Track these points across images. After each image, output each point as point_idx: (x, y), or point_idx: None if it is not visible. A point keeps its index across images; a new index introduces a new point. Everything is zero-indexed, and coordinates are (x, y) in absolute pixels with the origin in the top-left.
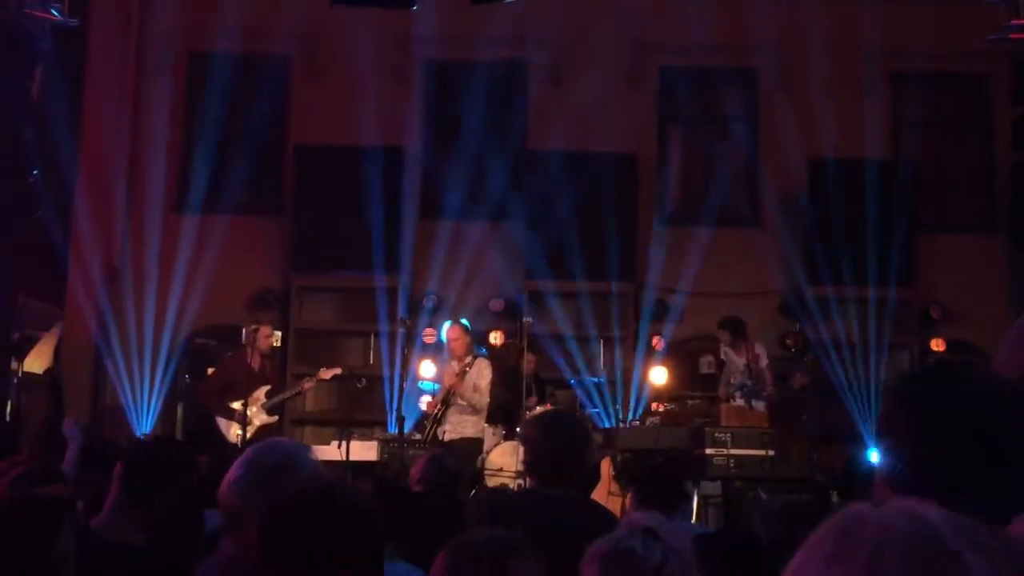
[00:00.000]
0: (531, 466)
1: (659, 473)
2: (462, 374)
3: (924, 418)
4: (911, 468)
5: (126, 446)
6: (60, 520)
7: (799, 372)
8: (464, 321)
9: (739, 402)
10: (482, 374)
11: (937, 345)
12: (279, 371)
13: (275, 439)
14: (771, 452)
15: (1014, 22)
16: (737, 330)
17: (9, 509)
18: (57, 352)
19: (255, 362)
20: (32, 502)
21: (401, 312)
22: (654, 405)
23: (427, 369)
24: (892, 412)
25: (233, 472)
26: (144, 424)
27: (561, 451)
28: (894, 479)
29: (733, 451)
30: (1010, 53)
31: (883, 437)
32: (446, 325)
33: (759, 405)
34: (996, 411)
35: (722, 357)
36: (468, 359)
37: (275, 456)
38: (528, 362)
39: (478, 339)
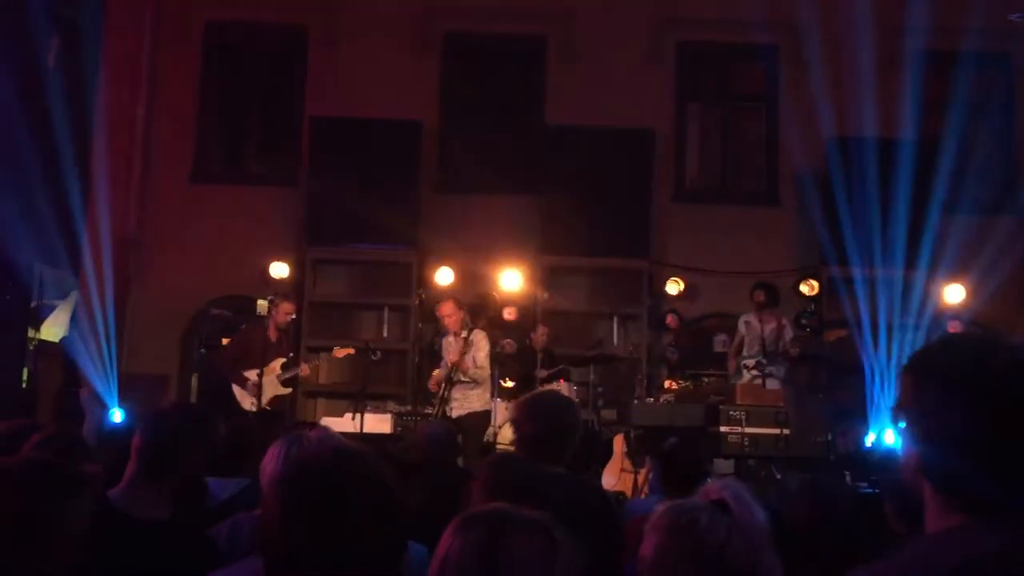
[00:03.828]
0: (518, 445)
1: (677, 455)
2: (463, 351)
3: (952, 392)
4: (944, 447)
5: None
6: (79, 489)
7: (791, 343)
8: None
9: (748, 376)
10: (479, 346)
11: (953, 327)
12: (293, 343)
13: (331, 438)
14: (785, 431)
15: None
16: (772, 295)
17: (27, 470)
18: (73, 320)
19: (272, 334)
20: (51, 466)
21: (415, 286)
22: (668, 382)
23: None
24: (914, 388)
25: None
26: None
27: (545, 431)
28: (922, 460)
29: (747, 429)
30: None
31: (905, 416)
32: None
33: (773, 383)
34: None
35: (741, 327)
36: (464, 333)
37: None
38: (540, 334)
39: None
